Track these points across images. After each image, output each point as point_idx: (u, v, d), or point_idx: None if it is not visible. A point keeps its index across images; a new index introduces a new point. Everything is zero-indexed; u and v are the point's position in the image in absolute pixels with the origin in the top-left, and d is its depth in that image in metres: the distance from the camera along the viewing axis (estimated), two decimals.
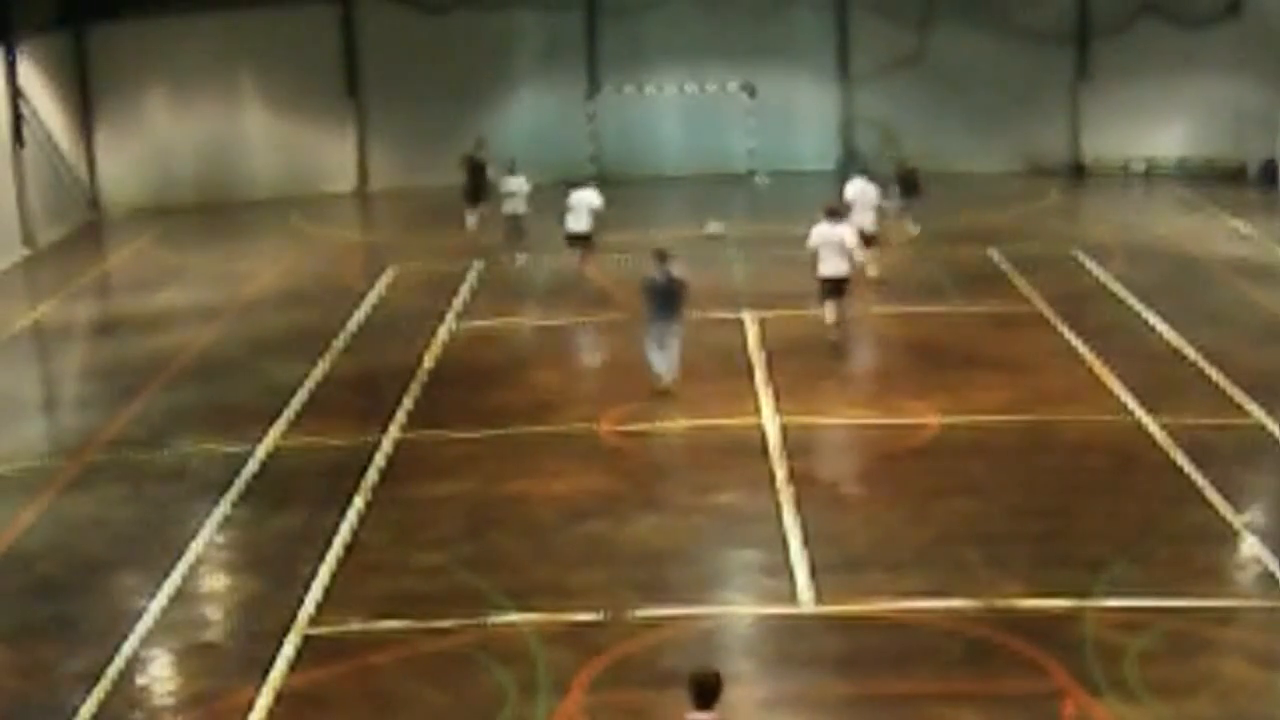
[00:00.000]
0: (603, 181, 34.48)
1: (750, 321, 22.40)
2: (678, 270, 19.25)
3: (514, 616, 12.93)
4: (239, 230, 32.32)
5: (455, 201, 33.75)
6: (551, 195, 33.54)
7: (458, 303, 24.33)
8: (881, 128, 34.78)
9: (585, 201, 25.37)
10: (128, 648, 12.59)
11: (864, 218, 23.71)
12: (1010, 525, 14.69)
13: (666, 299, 18.95)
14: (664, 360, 19.00)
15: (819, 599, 13.12)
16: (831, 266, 20.71)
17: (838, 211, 21.72)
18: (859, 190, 24.45)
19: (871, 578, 13.53)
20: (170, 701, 11.89)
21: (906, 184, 28.11)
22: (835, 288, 20.82)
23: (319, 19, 35.28)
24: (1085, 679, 11.46)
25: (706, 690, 8.77)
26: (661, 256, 19.17)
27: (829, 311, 20.79)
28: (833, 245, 20.69)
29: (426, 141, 35.79)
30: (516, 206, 27.52)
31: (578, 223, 25.28)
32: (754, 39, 35.47)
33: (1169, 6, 34.54)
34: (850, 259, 20.78)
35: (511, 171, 27.97)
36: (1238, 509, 14.77)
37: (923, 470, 16.29)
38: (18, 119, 30.28)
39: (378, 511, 15.54)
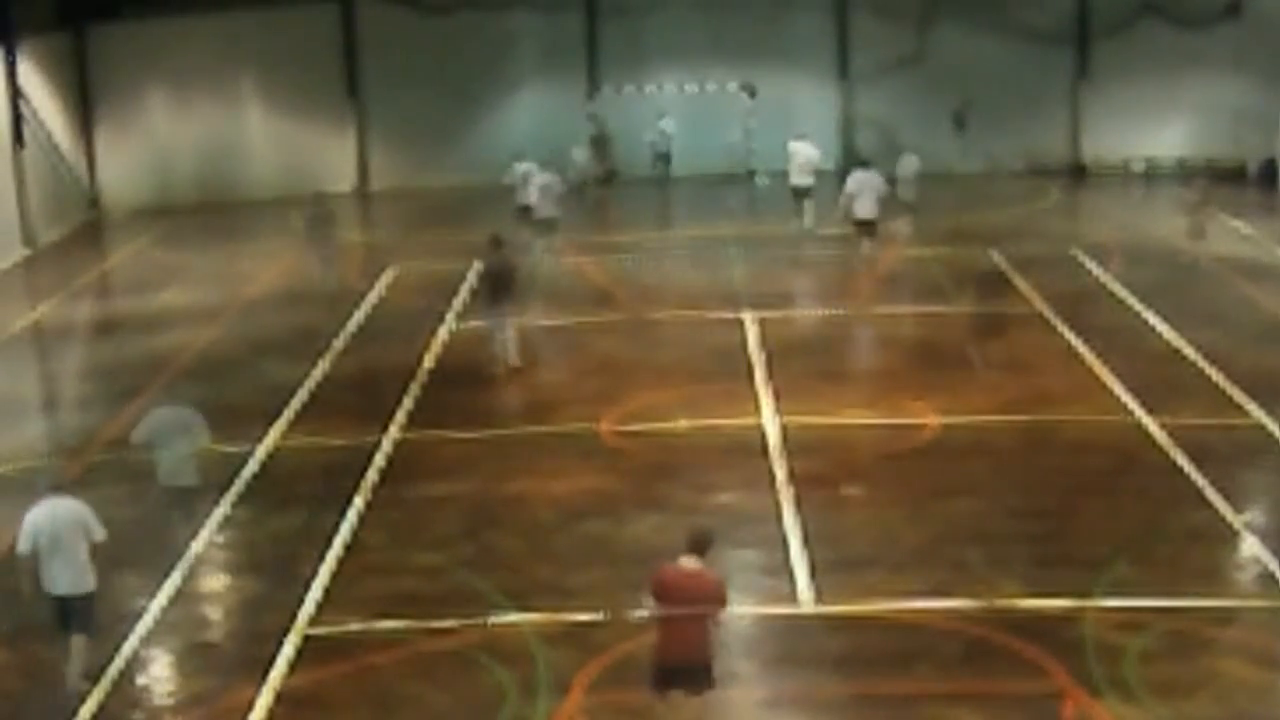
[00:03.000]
0: (602, 181, 34.72)
1: (750, 321, 22.39)
2: (510, 257, 20.99)
3: (514, 616, 12.93)
4: (239, 230, 32.33)
5: (455, 201, 33.90)
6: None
7: (458, 303, 24.32)
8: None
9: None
10: (128, 648, 12.59)
11: (866, 205, 24.98)
12: (1010, 525, 14.69)
13: (501, 284, 20.29)
14: (505, 344, 20.41)
15: (819, 599, 13.12)
16: (866, 210, 24.81)
17: (868, 162, 26.01)
18: (860, 180, 25.19)
19: (871, 578, 13.52)
20: (170, 701, 11.88)
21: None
22: (868, 229, 24.90)
23: (319, 19, 35.29)
24: (1085, 679, 11.46)
25: (701, 541, 10.22)
26: (496, 243, 20.55)
27: (864, 246, 25.09)
28: (868, 190, 24.74)
29: (426, 141, 35.83)
30: (527, 197, 27.40)
31: None
32: (754, 39, 35.47)
33: (1169, 6, 34.56)
34: (880, 203, 24.92)
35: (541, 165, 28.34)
36: (1238, 509, 14.76)
37: (923, 470, 16.29)
38: (18, 119, 30.28)
39: (378, 511, 15.53)
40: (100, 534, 12.13)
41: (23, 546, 11.92)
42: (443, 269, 26.74)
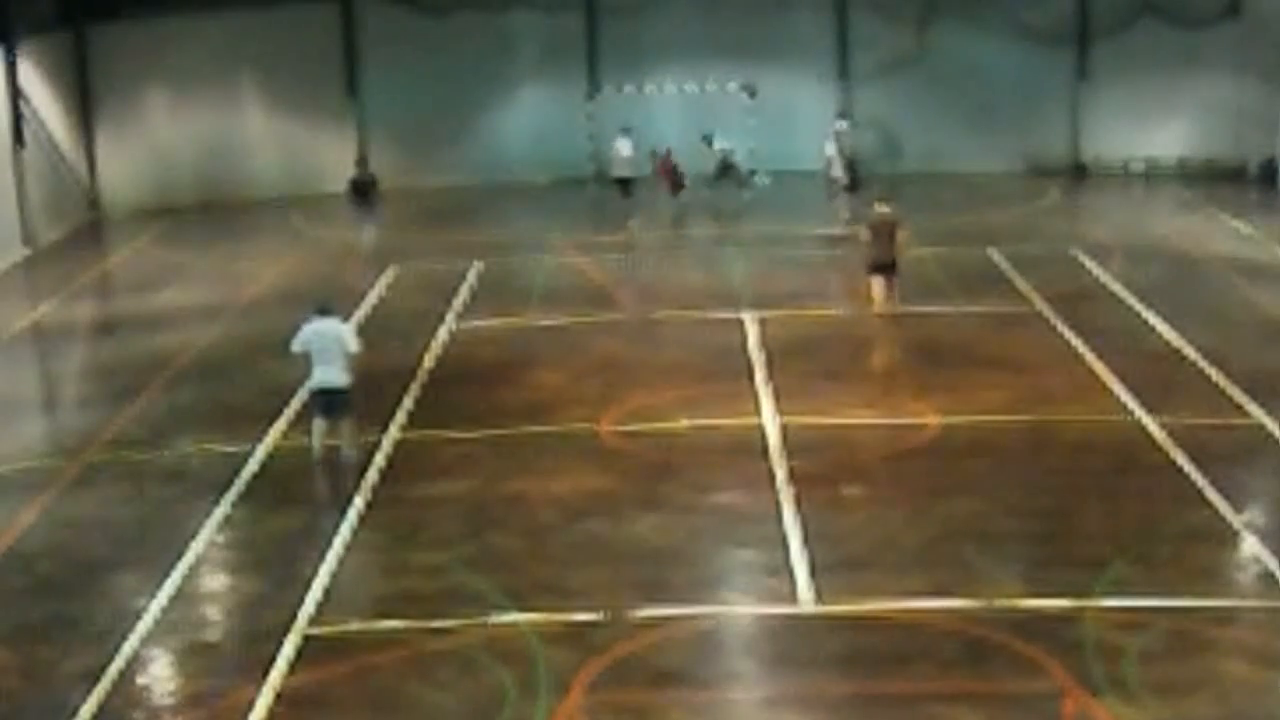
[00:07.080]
0: (602, 181, 34.75)
1: (750, 321, 22.39)
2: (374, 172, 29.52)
3: (514, 616, 12.93)
4: (239, 230, 32.33)
5: (455, 201, 33.93)
6: (552, 193, 33.76)
7: (458, 303, 24.33)
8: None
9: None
10: (128, 648, 12.58)
11: (623, 170, 30.99)
12: (1010, 525, 14.69)
13: (366, 195, 29.02)
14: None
15: (819, 599, 13.11)
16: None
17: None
18: (626, 146, 30.79)
19: (872, 577, 13.52)
20: (170, 701, 11.88)
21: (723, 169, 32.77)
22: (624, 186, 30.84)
23: (319, 19, 35.30)
24: (1085, 679, 11.46)
25: None
26: (363, 162, 29.60)
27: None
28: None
29: (426, 141, 35.83)
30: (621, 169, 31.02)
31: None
32: (754, 39, 35.46)
33: (1169, 6, 34.54)
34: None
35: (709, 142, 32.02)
36: (1238, 509, 14.76)
37: (923, 470, 16.29)
38: (18, 119, 30.28)
39: (378, 511, 15.53)
40: (354, 346, 16.73)
41: (295, 347, 16.87)
42: (443, 269, 26.76)
